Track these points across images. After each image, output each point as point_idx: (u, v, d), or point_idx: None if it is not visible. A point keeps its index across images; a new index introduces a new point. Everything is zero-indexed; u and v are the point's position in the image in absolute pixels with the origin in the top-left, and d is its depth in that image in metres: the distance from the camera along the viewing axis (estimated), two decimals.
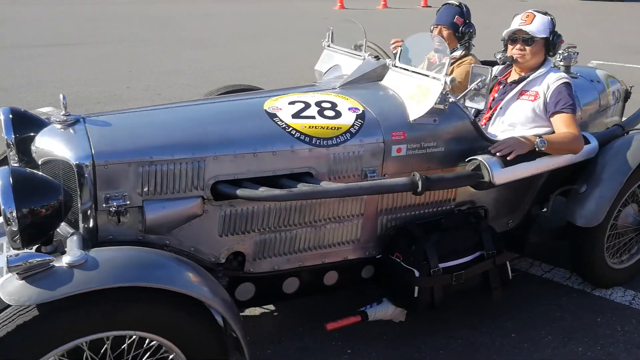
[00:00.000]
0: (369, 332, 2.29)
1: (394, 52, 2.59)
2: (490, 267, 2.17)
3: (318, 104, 2.05)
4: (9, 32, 10.19)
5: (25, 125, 1.87)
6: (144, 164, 1.75)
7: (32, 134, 1.84)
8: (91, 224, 1.73)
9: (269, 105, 2.02)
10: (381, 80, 2.27)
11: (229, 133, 1.89)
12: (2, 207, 1.49)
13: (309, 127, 1.95)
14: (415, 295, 2.03)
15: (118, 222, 1.73)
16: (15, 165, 1.88)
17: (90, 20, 12.01)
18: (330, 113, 2.01)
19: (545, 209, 2.46)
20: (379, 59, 2.36)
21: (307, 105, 2.03)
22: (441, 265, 2.05)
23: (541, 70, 2.44)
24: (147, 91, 6.32)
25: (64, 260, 1.40)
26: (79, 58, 8.18)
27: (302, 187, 1.82)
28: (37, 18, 12.14)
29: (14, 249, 1.58)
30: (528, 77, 2.45)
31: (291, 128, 1.94)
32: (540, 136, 2.20)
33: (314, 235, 2.07)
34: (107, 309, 1.45)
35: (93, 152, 1.68)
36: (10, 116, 1.85)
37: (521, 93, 2.45)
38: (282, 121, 1.95)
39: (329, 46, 2.67)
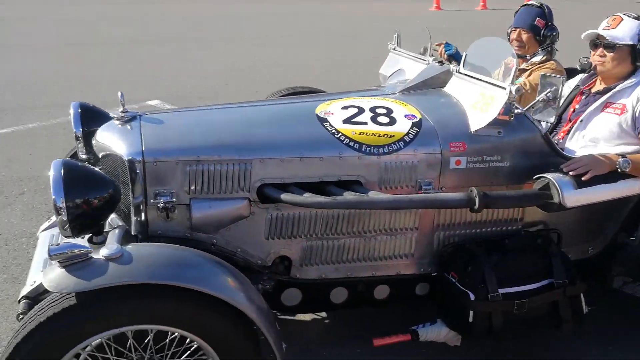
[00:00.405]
0: (417, 354, 2.17)
1: (440, 56, 2.44)
2: (561, 297, 1.94)
3: (372, 109, 1.97)
4: (124, 28, 10.96)
5: (94, 119, 2.00)
6: (191, 163, 1.77)
7: (98, 128, 1.93)
8: (142, 218, 1.78)
9: (322, 109, 1.97)
10: (444, 86, 2.15)
11: (277, 136, 1.88)
12: (53, 197, 1.58)
13: (360, 133, 1.88)
14: (470, 319, 1.87)
15: (167, 218, 1.78)
16: (84, 156, 1.99)
17: (187, 20, 12.60)
18: (384, 119, 1.93)
19: (634, 237, 2.19)
20: (443, 64, 2.23)
21: (361, 111, 1.96)
22: (501, 290, 1.87)
23: (630, 81, 2.18)
24: (244, 90, 6.46)
25: (101, 253, 1.46)
26: (187, 54, 8.64)
27: (348, 195, 1.76)
28: (137, 17, 12.92)
29: (65, 237, 1.67)
30: (614, 87, 2.20)
31: (340, 134, 1.88)
32: (624, 155, 1.97)
33: (364, 246, 1.99)
34: (142, 303, 1.49)
35: (144, 149, 1.73)
36: (79, 110, 1.97)
37: (606, 105, 2.20)
38: (332, 126, 1.90)
39: (394, 49, 2.57)
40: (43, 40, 9.59)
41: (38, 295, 1.70)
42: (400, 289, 2.10)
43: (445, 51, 2.66)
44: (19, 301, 1.65)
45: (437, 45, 2.72)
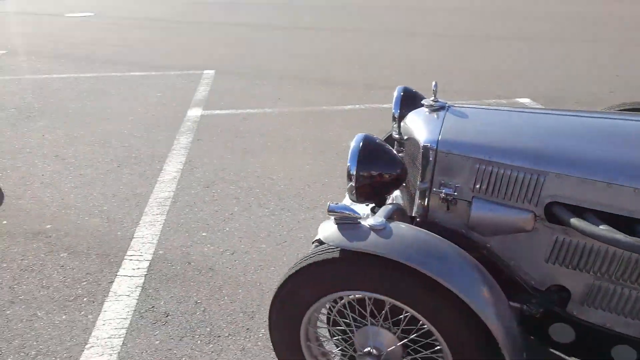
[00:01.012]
0: None
1: None
2: None
3: None
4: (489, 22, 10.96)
5: (412, 104, 2.16)
6: (482, 162, 1.74)
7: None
8: (425, 203, 1.88)
9: None
10: None
11: (583, 152, 1.63)
12: (348, 165, 1.83)
13: None
14: None
15: (447, 209, 1.83)
16: (396, 136, 2.20)
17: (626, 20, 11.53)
18: None
19: None
20: None
21: None
22: None
23: None
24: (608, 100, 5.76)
25: (368, 222, 1.63)
26: (578, 55, 8.11)
27: None
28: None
29: (352, 201, 1.91)
30: None
31: None
32: None
33: None
34: (386, 275, 1.60)
35: (440, 139, 1.80)
36: (402, 94, 2.17)
37: None
38: None
39: None
40: (437, 30, 10.47)
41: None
42: None
43: None
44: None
45: None
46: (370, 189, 1.85)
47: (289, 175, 4.18)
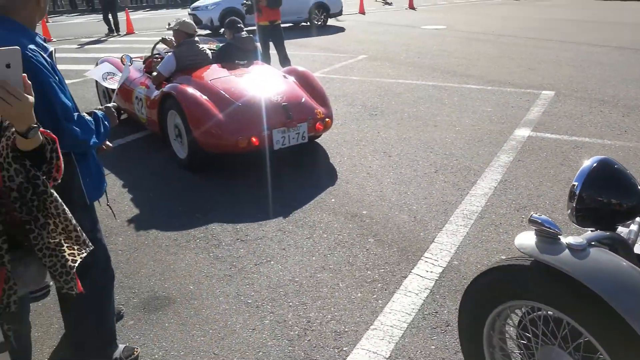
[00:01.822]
0: None
1: None
2: None
3: None
4: None
5: None
6: None
7: None
8: None
9: None
10: None
11: None
12: (575, 183, 1.69)
13: None
14: None
15: None
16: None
17: None
18: None
19: None
20: None
21: None
22: None
23: None
24: None
25: (567, 239, 1.55)
26: None
27: None
28: None
29: (571, 221, 1.76)
30: None
31: None
32: None
33: None
34: (571, 296, 1.51)
35: None
36: None
37: None
38: None
39: None
40: None
41: None
42: None
43: None
44: None
45: None
46: (593, 214, 1.69)
47: None
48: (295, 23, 15.70)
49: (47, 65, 1.84)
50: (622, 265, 1.49)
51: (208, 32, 14.72)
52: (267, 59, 8.12)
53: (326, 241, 3.53)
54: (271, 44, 8.06)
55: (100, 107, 2.23)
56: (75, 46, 13.10)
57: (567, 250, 1.54)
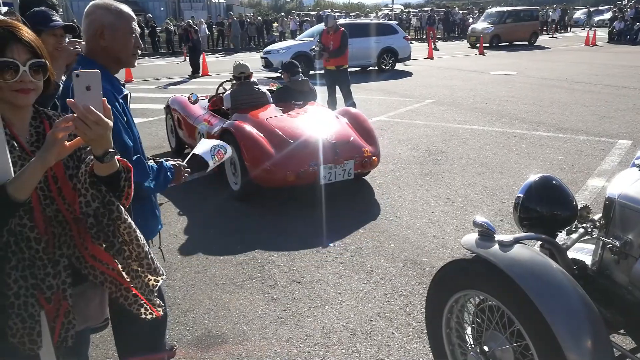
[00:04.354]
0: None
1: None
2: None
3: None
4: None
5: None
6: None
7: None
8: (599, 250, 1.94)
9: None
10: None
11: None
12: (519, 195, 2.11)
13: None
14: None
15: (617, 262, 1.85)
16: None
17: None
18: None
19: None
20: None
21: None
22: None
23: None
24: None
25: (499, 237, 1.88)
26: None
27: None
28: None
29: (516, 225, 2.17)
30: None
31: None
32: None
33: None
34: (497, 284, 1.85)
35: (622, 192, 1.86)
36: None
37: None
38: None
39: None
40: None
41: None
42: None
43: None
44: None
45: None
46: (535, 222, 2.07)
47: None
48: (363, 67, 15.95)
49: (117, 106, 1.94)
50: (538, 257, 1.79)
51: (279, 74, 15.22)
52: (333, 101, 8.25)
53: (383, 288, 3.44)
54: (337, 88, 8.20)
55: (175, 161, 2.27)
56: (154, 87, 13.90)
57: (496, 245, 1.85)
